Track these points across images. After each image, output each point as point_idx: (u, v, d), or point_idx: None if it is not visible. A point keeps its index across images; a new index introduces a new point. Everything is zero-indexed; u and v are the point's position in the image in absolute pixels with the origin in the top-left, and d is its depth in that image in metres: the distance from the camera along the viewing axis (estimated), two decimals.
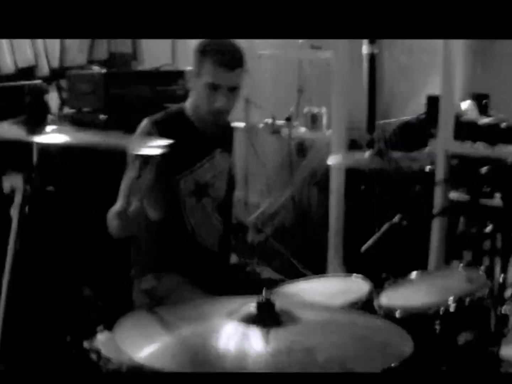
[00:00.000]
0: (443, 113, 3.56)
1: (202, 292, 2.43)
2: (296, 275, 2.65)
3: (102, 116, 3.59)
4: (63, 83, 4.07)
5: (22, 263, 1.71)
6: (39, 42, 4.08)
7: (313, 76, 4.43)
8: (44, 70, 4.11)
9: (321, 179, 4.44)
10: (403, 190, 3.29)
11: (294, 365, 1.28)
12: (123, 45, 4.52)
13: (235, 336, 1.36)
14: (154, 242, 2.59)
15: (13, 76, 3.90)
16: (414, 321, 2.03)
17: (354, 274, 2.42)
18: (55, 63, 4.17)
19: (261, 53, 4.25)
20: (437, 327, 2.01)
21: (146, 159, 2.04)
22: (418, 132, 4.04)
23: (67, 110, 3.93)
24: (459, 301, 2.04)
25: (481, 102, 4.12)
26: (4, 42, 3.90)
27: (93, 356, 1.84)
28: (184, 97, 2.68)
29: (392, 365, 1.30)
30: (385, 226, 2.63)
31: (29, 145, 1.58)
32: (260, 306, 1.42)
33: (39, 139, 1.75)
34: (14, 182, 1.53)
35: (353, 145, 4.23)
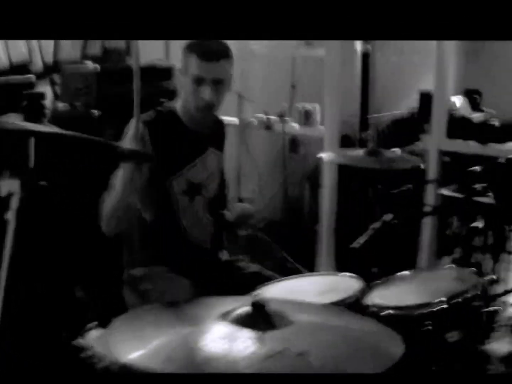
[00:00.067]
0: (435, 111, 3.58)
1: (191, 284, 2.45)
2: (286, 270, 2.65)
3: (94, 112, 3.59)
4: (57, 77, 4.06)
5: (14, 263, 1.71)
6: None
7: (306, 72, 4.44)
8: (38, 65, 4.10)
9: (313, 174, 4.46)
10: (394, 188, 3.31)
11: (286, 367, 1.29)
12: (117, 41, 4.51)
13: (226, 339, 1.37)
14: (147, 241, 2.58)
15: (7, 71, 3.89)
16: (405, 320, 2.04)
17: (344, 273, 2.41)
18: (49, 59, 4.16)
19: (254, 47, 4.26)
20: (428, 326, 2.01)
21: (139, 160, 2.04)
22: (411, 126, 4.06)
23: (60, 105, 3.93)
24: (450, 300, 2.04)
25: (473, 97, 4.15)
26: None
27: (87, 353, 1.84)
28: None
29: (385, 369, 1.31)
30: (376, 224, 2.64)
31: (26, 146, 1.58)
32: (253, 308, 1.43)
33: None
34: (11, 186, 1.52)
35: (346, 140, 4.25)
